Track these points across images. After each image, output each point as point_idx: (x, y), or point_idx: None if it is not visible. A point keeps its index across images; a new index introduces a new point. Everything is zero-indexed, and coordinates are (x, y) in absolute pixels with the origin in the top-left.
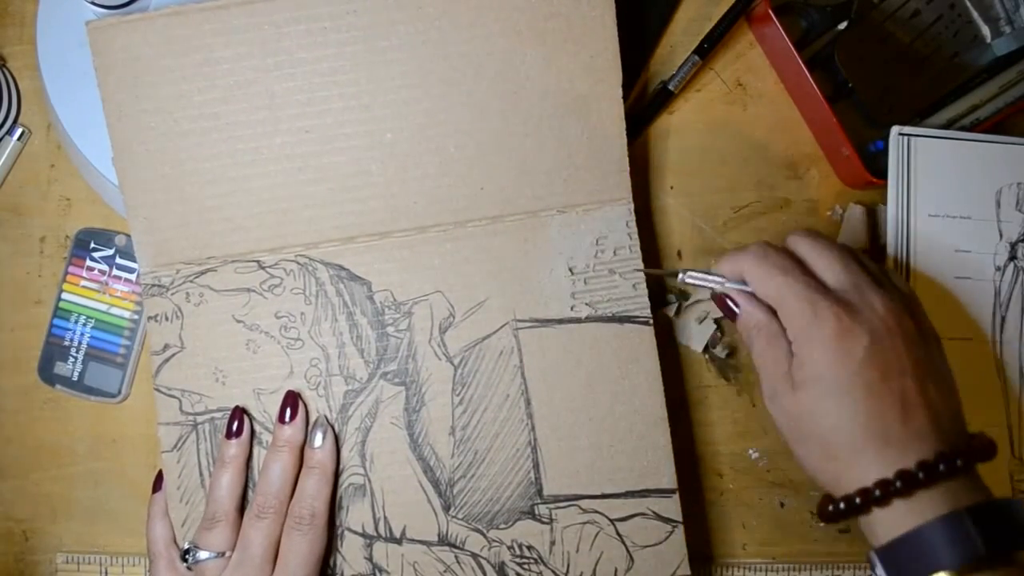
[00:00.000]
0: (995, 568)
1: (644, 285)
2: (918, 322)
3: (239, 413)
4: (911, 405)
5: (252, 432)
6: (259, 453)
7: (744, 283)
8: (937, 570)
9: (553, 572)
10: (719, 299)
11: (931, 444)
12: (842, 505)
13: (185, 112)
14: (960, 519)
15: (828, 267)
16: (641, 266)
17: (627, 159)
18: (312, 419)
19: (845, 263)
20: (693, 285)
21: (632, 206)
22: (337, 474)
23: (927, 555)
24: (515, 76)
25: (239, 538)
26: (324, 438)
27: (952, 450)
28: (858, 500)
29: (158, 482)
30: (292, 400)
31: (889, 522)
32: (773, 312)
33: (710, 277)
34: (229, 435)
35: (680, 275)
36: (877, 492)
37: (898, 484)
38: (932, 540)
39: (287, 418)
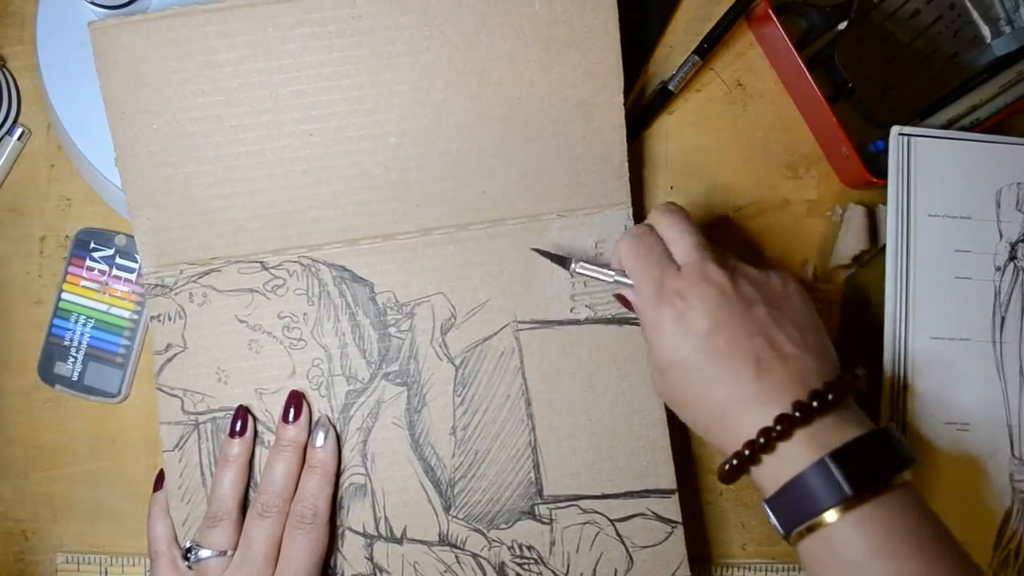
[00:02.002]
0: (877, 495)
1: None
2: (760, 285)
3: (243, 412)
4: (765, 362)
5: (255, 431)
6: (260, 453)
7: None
8: (818, 512)
9: (553, 572)
10: (616, 296)
11: (789, 395)
12: (727, 467)
13: (188, 114)
14: (825, 465)
15: (677, 240)
16: None
17: (627, 165)
18: (314, 419)
19: (693, 240)
20: (584, 275)
21: (631, 210)
22: (338, 474)
23: (806, 501)
24: (518, 81)
25: (241, 537)
26: (326, 438)
27: (810, 395)
28: (735, 462)
29: (159, 481)
30: (296, 400)
31: (771, 475)
32: None
33: (602, 271)
34: (233, 434)
35: (572, 264)
36: (747, 452)
37: (762, 440)
38: (808, 486)
39: (291, 418)
